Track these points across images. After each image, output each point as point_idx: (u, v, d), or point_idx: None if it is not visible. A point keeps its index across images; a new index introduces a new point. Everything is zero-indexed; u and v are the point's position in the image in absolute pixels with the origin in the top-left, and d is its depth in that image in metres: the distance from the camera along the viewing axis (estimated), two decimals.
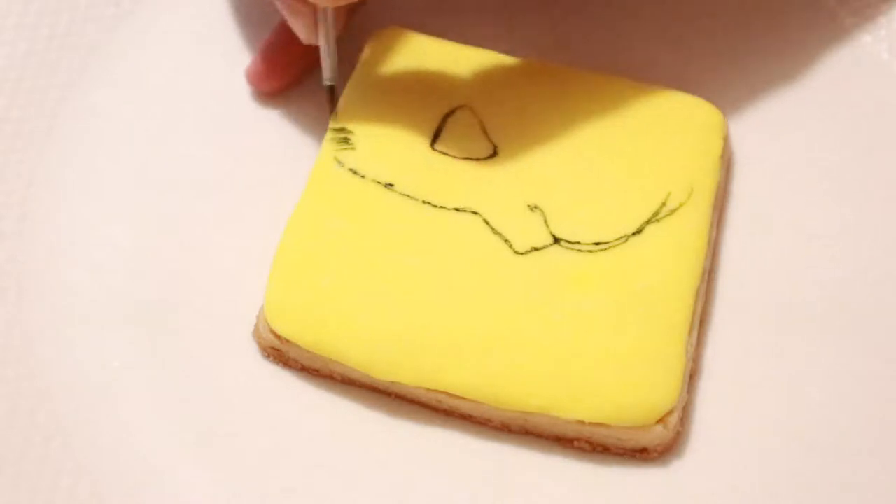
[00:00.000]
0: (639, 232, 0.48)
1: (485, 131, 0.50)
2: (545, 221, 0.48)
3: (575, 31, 0.55)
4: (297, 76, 0.54)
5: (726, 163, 0.51)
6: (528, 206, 0.48)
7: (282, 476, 0.46)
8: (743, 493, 0.45)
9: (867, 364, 0.48)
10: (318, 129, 0.52)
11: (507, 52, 0.52)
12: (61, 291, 0.50)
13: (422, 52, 0.52)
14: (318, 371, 0.48)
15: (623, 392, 0.45)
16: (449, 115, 0.50)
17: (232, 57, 0.55)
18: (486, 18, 0.55)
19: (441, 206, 0.48)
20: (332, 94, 0.50)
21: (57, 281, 0.50)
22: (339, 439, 0.47)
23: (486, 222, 0.48)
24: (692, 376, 0.47)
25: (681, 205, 0.48)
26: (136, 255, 0.51)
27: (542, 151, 0.50)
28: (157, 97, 0.55)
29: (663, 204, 0.48)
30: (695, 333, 0.47)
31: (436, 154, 0.50)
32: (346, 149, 0.50)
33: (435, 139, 0.50)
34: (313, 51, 0.51)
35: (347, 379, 0.48)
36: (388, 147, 0.50)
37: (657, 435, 0.45)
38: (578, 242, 0.47)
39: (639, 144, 0.50)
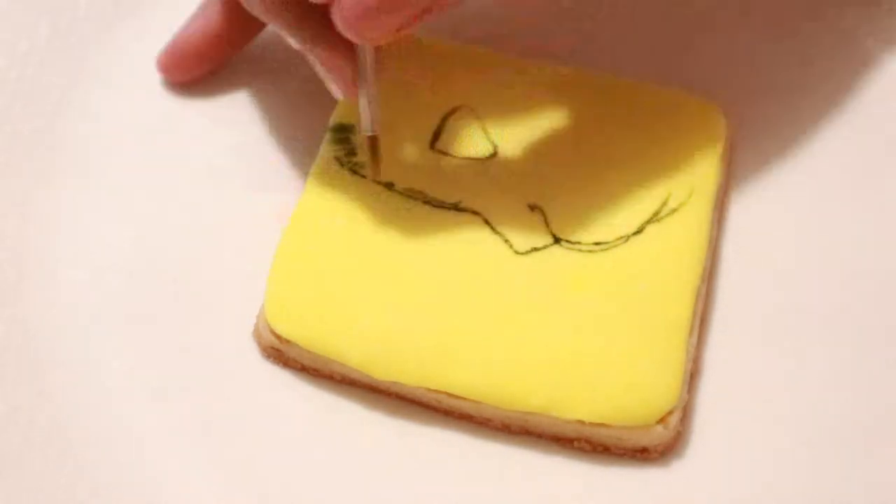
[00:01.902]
0: (639, 232, 0.48)
1: (485, 131, 0.50)
2: (545, 221, 0.48)
3: (575, 31, 0.55)
4: (210, 71, 0.54)
5: (726, 163, 0.51)
6: (529, 205, 0.48)
7: (282, 475, 0.46)
8: (743, 493, 0.45)
9: (867, 364, 0.48)
10: (318, 129, 0.52)
11: (507, 53, 0.52)
12: (61, 291, 0.50)
13: (422, 53, 0.52)
14: (318, 371, 0.48)
15: (623, 392, 0.45)
16: (449, 115, 0.50)
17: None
18: (486, 18, 0.55)
19: (441, 206, 0.48)
20: (375, 145, 0.47)
21: (57, 281, 0.50)
22: (338, 439, 0.47)
23: (487, 222, 0.48)
24: (692, 376, 0.47)
25: (681, 205, 0.48)
26: (135, 255, 0.51)
27: (542, 151, 0.50)
28: (157, 97, 0.55)
29: (664, 204, 0.48)
30: (695, 333, 0.47)
31: (436, 154, 0.50)
32: (346, 149, 0.50)
33: (435, 139, 0.50)
34: (222, 44, 0.53)
35: (347, 379, 0.48)
36: (387, 147, 0.50)
37: (657, 435, 0.45)
38: (579, 242, 0.47)
39: (639, 144, 0.50)
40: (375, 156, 0.47)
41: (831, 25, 0.55)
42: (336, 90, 0.46)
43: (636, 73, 0.53)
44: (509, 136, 0.50)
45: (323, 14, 0.43)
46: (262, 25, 0.53)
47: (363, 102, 0.46)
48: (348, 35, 0.42)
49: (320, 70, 0.46)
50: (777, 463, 0.46)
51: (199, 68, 0.54)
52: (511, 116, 0.50)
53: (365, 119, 0.46)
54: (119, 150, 0.53)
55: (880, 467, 0.46)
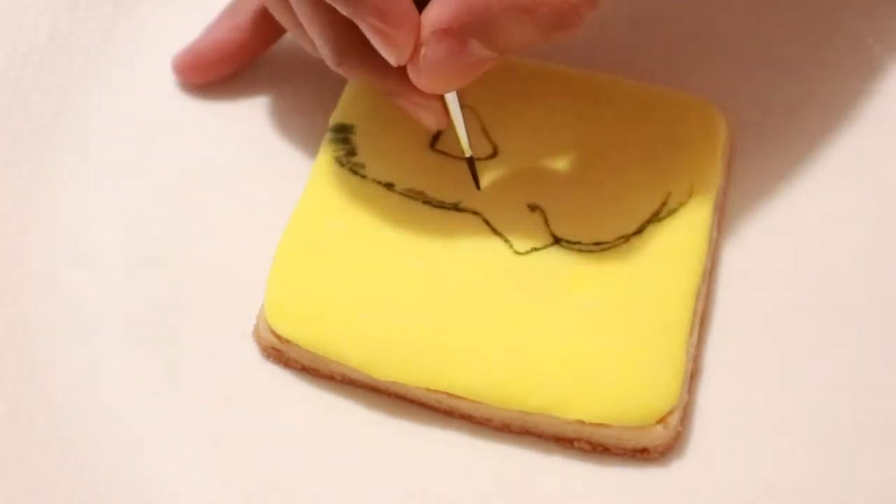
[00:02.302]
0: (639, 232, 0.48)
1: (485, 131, 0.50)
2: (545, 221, 0.48)
3: None
4: (228, 75, 0.54)
5: (726, 163, 0.51)
6: (529, 205, 0.48)
7: (282, 476, 0.46)
8: (743, 493, 0.45)
9: (867, 364, 0.48)
10: (318, 129, 0.52)
11: None
12: (61, 291, 0.50)
13: None
14: (318, 371, 0.48)
15: (623, 392, 0.45)
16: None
17: None
18: None
19: (441, 206, 0.48)
20: (473, 164, 0.48)
21: (57, 281, 0.50)
22: (339, 439, 0.47)
23: (487, 222, 0.48)
24: (692, 376, 0.47)
25: (681, 205, 0.48)
26: (136, 255, 0.51)
27: (543, 151, 0.50)
28: (157, 97, 0.55)
29: (664, 204, 0.48)
30: (695, 333, 0.47)
31: (436, 154, 0.50)
32: (346, 149, 0.50)
33: (435, 139, 0.50)
34: (247, 52, 0.53)
35: (347, 379, 0.48)
36: (388, 147, 0.50)
37: (657, 435, 0.45)
38: (579, 242, 0.47)
39: (639, 144, 0.50)
40: (475, 172, 0.48)
41: (832, 26, 0.55)
42: (431, 123, 0.47)
43: (636, 73, 0.52)
44: (509, 136, 0.50)
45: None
46: (283, 32, 0.53)
47: (459, 127, 0.47)
48: (429, 91, 0.44)
49: (408, 107, 0.47)
50: (777, 463, 0.46)
51: (219, 72, 0.54)
52: (511, 116, 0.50)
53: (463, 142, 0.47)
54: (119, 150, 0.53)
55: (880, 467, 0.46)
